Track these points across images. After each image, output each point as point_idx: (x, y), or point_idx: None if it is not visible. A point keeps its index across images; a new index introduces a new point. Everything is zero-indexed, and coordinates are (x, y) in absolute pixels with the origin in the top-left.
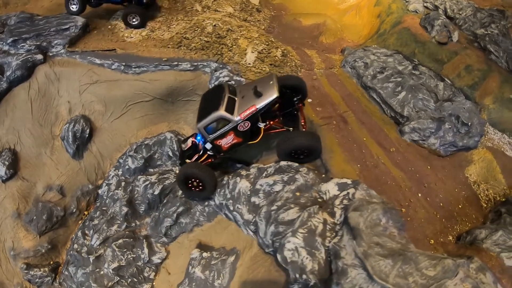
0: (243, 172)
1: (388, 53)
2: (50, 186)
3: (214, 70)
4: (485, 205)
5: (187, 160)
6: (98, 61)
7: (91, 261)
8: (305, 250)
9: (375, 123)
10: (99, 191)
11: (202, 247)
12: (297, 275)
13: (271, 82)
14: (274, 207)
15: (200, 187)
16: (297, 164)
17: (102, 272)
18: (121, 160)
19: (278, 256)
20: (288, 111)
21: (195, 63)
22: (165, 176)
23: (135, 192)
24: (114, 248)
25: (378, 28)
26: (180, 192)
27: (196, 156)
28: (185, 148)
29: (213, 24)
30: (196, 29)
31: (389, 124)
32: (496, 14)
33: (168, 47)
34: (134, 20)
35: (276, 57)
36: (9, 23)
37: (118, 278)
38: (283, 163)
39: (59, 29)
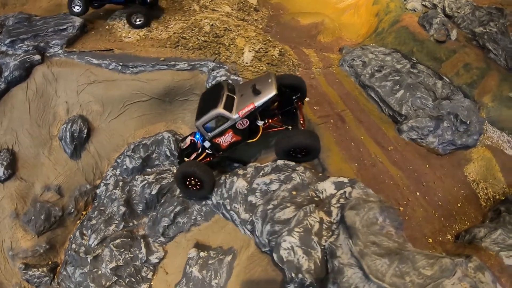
0: (240, 171)
1: (386, 51)
2: (48, 186)
3: (211, 70)
4: (484, 204)
5: (186, 159)
6: (95, 61)
7: (89, 261)
8: (301, 249)
9: (373, 122)
10: (97, 191)
11: (199, 246)
12: (293, 275)
13: (270, 80)
14: (271, 206)
15: (198, 186)
16: (293, 163)
17: (100, 272)
18: (118, 160)
19: (274, 255)
20: (287, 109)
21: (192, 63)
22: (162, 175)
23: (133, 192)
24: (112, 248)
25: (376, 27)
26: (178, 191)
27: (194, 155)
28: (184, 147)
29: (211, 23)
30: (193, 28)
31: (387, 122)
32: (494, 12)
33: (166, 47)
34: (138, 20)
35: (274, 56)
36: (7, 24)
37: (116, 278)
38: (280, 162)
39: (57, 30)
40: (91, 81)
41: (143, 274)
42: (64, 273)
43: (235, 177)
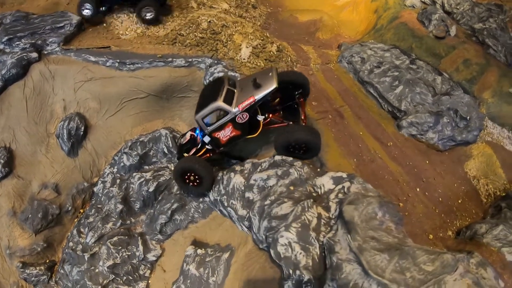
0: (238, 168)
1: (385, 48)
2: (45, 184)
3: (209, 66)
4: (485, 200)
5: (185, 154)
6: (92, 58)
7: (86, 259)
8: (298, 245)
9: (372, 118)
10: (95, 189)
11: (197, 244)
12: (291, 271)
13: (271, 74)
14: (268, 202)
15: (197, 182)
16: (291, 158)
17: (97, 270)
18: (116, 158)
19: (271, 252)
20: (288, 105)
21: (190, 59)
22: (160, 173)
23: (130, 190)
24: (109, 245)
25: (375, 24)
26: (175, 188)
27: (193, 150)
28: (183, 142)
29: (208, 20)
30: (191, 25)
31: (387, 118)
32: (494, 8)
33: (163, 44)
34: (148, 14)
35: (271, 52)
36: (4, 22)
37: (113, 276)
38: (277, 157)
39: (54, 27)
40: (88, 79)
41: (141, 272)
42: (62, 271)
43: (232, 173)
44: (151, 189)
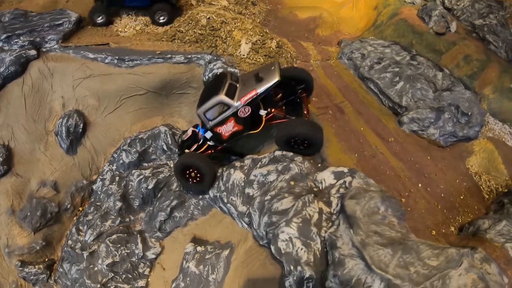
0: (237, 164)
1: (385, 44)
2: (44, 182)
3: (208, 62)
4: (487, 196)
5: (186, 151)
6: (91, 55)
7: (85, 257)
8: (299, 241)
9: (372, 114)
10: (94, 187)
11: (196, 241)
12: (292, 267)
13: (273, 68)
14: (268, 197)
15: (198, 179)
16: (291, 154)
17: (96, 268)
18: (115, 155)
19: (272, 248)
20: (291, 99)
21: (189, 56)
22: (159, 170)
23: (129, 187)
24: (108, 243)
25: (375, 20)
26: (175, 185)
27: (195, 146)
28: (185, 138)
29: (207, 17)
30: (190, 22)
31: (387, 114)
32: (494, 4)
33: (162, 41)
34: (162, 18)
35: (271, 48)
36: (3, 20)
37: (112, 274)
38: (277, 152)
39: (53, 25)
40: (87, 76)
41: (140, 270)
42: (61, 270)
43: (232, 170)
44: (150, 186)
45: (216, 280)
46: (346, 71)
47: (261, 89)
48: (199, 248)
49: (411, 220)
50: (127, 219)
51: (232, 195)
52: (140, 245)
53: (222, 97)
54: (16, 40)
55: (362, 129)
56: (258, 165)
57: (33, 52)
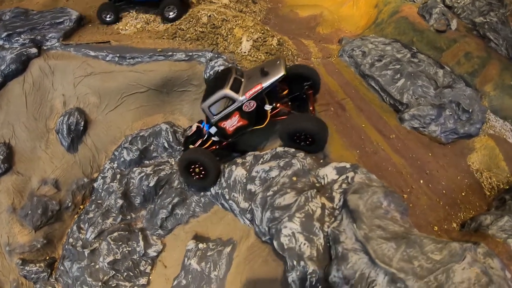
0: (239, 160)
1: (386, 41)
2: (45, 180)
3: (209, 60)
4: (489, 193)
5: (191, 146)
6: (92, 53)
7: (86, 255)
8: (302, 236)
9: (373, 110)
10: (95, 185)
11: (198, 238)
12: (295, 262)
13: (278, 62)
14: (270, 193)
15: (202, 175)
16: (293, 150)
17: (97, 266)
18: (116, 153)
19: (275, 243)
20: (296, 95)
21: (190, 53)
22: (160, 167)
23: (131, 185)
24: (109, 241)
25: (375, 18)
26: (176, 183)
27: (199, 142)
28: (189, 134)
29: (208, 14)
30: (191, 20)
31: (388, 111)
32: (494, 2)
33: (163, 38)
34: (171, 13)
35: (272, 46)
36: (3, 19)
37: (114, 272)
38: (279, 149)
39: (54, 23)
40: (88, 73)
41: (141, 268)
42: (62, 268)
43: (233, 166)
44: (151, 184)
45: (218, 277)
46: (347, 69)
47: (267, 83)
48: (200, 245)
49: (413, 216)
50: (128, 217)
51: (234, 191)
52: (141, 243)
53: (227, 91)
54: (17, 38)
55: (363, 126)
56: (260, 162)
57: (34, 50)
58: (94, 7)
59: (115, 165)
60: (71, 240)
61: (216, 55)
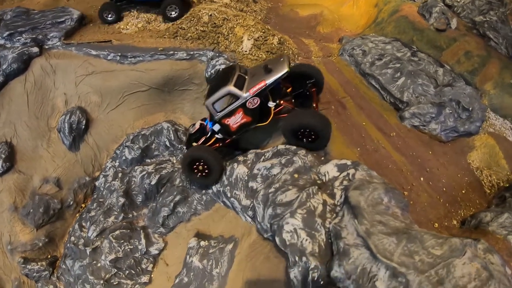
0: (241, 158)
1: (386, 40)
2: (47, 179)
3: (210, 59)
4: (489, 191)
5: (194, 144)
6: (94, 52)
7: (88, 253)
8: (304, 232)
9: (374, 109)
10: (96, 183)
11: (200, 236)
12: (297, 258)
13: (282, 59)
14: (272, 190)
15: (206, 173)
16: (295, 147)
17: (99, 265)
18: (117, 151)
19: (277, 239)
20: (299, 92)
21: (191, 52)
22: (162, 166)
23: (132, 183)
24: (111, 239)
25: (375, 17)
26: (178, 181)
27: (203, 139)
28: (193, 131)
29: (209, 14)
30: (192, 19)
31: (389, 110)
32: (494, 1)
33: (164, 38)
34: (173, 12)
35: (273, 45)
36: (5, 18)
37: (116, 270)
38: (280, 146)
39: (55, 22)
40: (89, 72)
41: (143, 266)
42: (63, 266)
43: (235, 164)
44: (153, 182)
45: (220, 274)
46: (347, 67)
47: (270, 80)
48: (202, 243)
49: (413, 213)
50: (130, 215)
51: (235, 189)
52: (143, 241)
53: (230, 87)
54: (18, 38)
55: (364, 124)
56: (261, 159)
57: (35, 49)
58: (95, 6)
59: (117, 163)
60: (73, 238)
61: (217, 54)
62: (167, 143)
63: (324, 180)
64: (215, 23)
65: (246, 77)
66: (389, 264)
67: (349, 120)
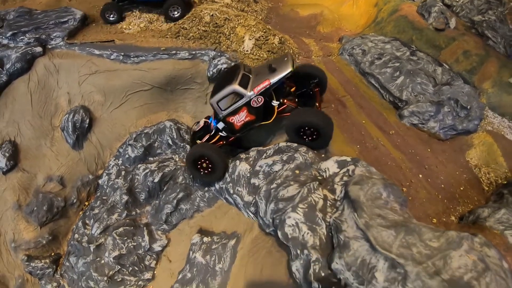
0: (243, 155)
1: (385, 40)
2: (51, 177)
3: (212, 58)
4: (487, 188)
5: (198, 141)
6: (97, 51)
7: (92, 250)
8: (305, 226)
9: (373, 107)
10: (99, 181)
11: (202, 232)
12: (298, 251)
13: (286, 59)
14: (274, 185)
15: (210, 170)
16: (296, 144)
17: (102, 261)
18: (121, 150)
19: (279, 233)
20: (303, 92)
21: (193, 52)
22: (165, 164)
23: (135, 181)
24: (115, 236)
25: (375, 17)
26: (181, 178)
27: (207, 137)
28: (197, 129)
29: (211, 14)
30: (193, 19)
31: (388, 108)
32: (493, 1)
33: (167, 37)
34: (176, 12)
35: (274, 44)
36: (8, 18)
37: (119, 267)
38: (282, 144)
39: (58, 22)
40: (92, 72)
41: (146, 262)
42: (67, 263)
43: (237, 161)
44: (156, 180)
45: (222, 269)
46: (347, 67)
47: (274, 79)
48: (205, 239)
49: (412, 209)
50: (134, 213)
51: (238, 185)
52: (146, 238)
53: (235, 86)
54: (21, 37)
55: (363, 122)
56: (263, 156)
57: (38, 49)
58: (98, 6)
59: (120, 162)
60: (76, 235)
61: (219, 54)
62: (170, 142)
63: (324, 176)
64: (216, 23)
65: (251, 76)
66: (388, 256)
67: (349, 119)
